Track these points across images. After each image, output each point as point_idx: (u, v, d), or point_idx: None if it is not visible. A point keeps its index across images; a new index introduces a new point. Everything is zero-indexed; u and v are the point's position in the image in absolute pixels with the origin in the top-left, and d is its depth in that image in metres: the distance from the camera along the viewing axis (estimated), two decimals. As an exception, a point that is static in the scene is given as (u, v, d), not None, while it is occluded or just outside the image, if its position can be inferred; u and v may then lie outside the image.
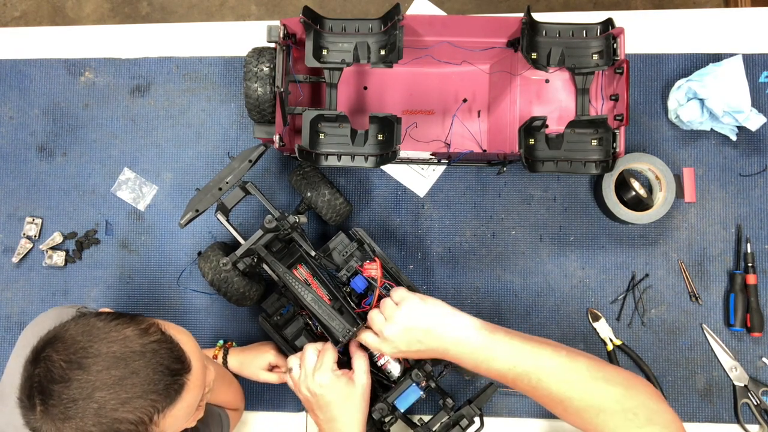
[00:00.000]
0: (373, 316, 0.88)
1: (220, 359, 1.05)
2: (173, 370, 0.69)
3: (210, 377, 0.79)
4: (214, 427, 0.93)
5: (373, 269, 0.95)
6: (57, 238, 1.15)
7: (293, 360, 0.93)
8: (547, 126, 0.93)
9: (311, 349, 0.92)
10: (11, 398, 0.69)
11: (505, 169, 1.06)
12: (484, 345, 0.81)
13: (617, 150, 0.91)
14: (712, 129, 1.11)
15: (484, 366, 0.81)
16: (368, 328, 0.90)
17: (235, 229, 0.99)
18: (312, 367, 0.90)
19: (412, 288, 0.98)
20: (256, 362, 1.04)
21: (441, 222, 1.14)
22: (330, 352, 0.91)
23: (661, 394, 0.78)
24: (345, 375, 0.90)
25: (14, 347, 0.89)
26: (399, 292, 0.87)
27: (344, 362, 0.95)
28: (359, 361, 0.92)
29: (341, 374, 0.90)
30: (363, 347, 0.95)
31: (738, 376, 1.08)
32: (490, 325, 0.83)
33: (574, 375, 0.77)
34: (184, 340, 0.74)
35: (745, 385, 1.08)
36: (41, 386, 0.65)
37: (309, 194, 1.03)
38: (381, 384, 0.99)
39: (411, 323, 0.84)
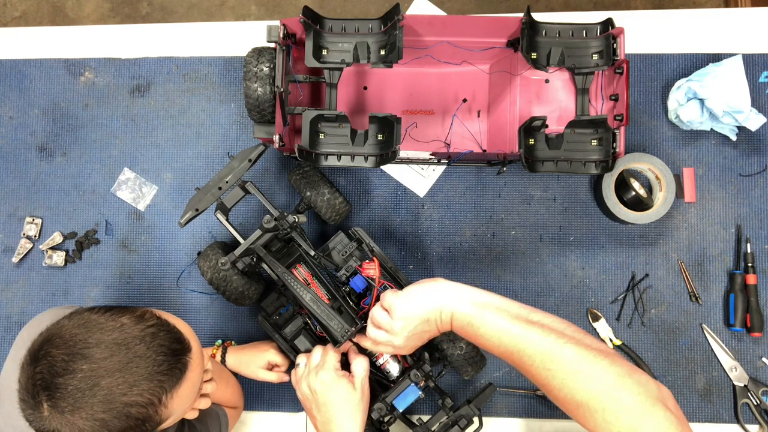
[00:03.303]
0: (375, 313, 0.86)
1: (218, 358, 1.05)
2: (175, 350, 0.71)
3: (206, 359, 0.80)
4: (213, 426, 0.94)
5: (371, 269, 0.95)
6: (57, 238, 1.15)
7: (301, 357, 0.95)
8: (547, 126, 0.93)
9: (319, 349, 0.93)
10: (8, 399, 0.69)
11: (505, 169, 1.06)
12: (471, 321, 0.78)
13: (617, 150, 0.91)
14: (712, 129, 1.11)
15: (473, 339, 0.80)
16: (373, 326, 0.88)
17: (235, 229, 0.99)
18: (315, 364, 0.91)
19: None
20: (256, 361, 1.04)
21: (441, 222, 1.14)
22: (333, 354, 0.92)
23: (663, 394, 0.70)
24: (346, 377, 0.90)
25: (11, 349, 0.89)
26: (386, 296, 0.85)
27: (345, 363, 0.95)
28: (359, 366, 0.91)
29: (343, 375, 0.89)
30: (362, 352, 0.94)
31: (738, 376, 1.08)
32: (483, 298, 0.80)
33: (555, 364, 0.72)
34: (179, 323, 0.75)
35: (745, 385, 1.08)
36: (45, 382, 0.65)
37: (308, 194, 1.03)
38: (380, 384, 0.99)
39: (418, 306, 0.82)
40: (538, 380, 0.74)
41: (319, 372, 0.89)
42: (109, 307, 0.72)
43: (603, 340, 1.10)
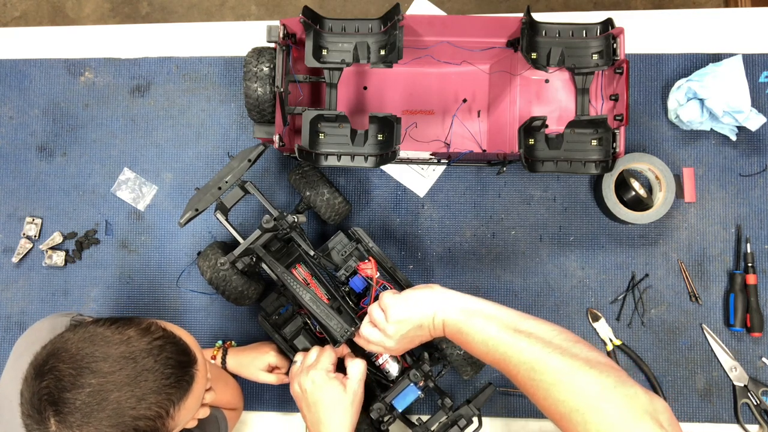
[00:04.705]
0: (373, 311, 0.87)
1: (219, 359, 1.05)
2: (182, 363, 0.71)
3: (208, 368, 0.80)
4: (210, 429, 0.93)
5: (368, 269, 0.96)
6: (57, 238, 1.15)
7: (298, 355, 0.95)
8: (546, 126, 0.93)
9: (316, 349, 0.93)
10: (7, 410, 0.68)
11: (505, 169, 1.06)
12: (460, 328, 0.79)
13: (617, 150, 0.91)
14: (712, 129, 1.11)
15: (464, 347, 0.80)
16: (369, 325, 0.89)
17: (234, 229, 0.99)
18: (309, 363, 0.91)
19: (410, 287, 0.98)
20: (256, 363, 1.04)
21: (441, 222, 1.14)
22: (328, 353, 0.91)
23: (656, 407, 0.66)
24: (338, 379, 0.89)
25: (9, 358, 0.88)
26: (384, 297, 0.86)
27: (343, 368, 0.94)
28: (355, 368, 0.90)
29: (335, 377, 0.89)
30: (360, 355, 0.94)
31: (738, 376, 1.08)
32: (474, 305, 0.80)
33: (539, 375, 0.70)
34: (183, 334, 0.75)
35: (745, 385, 1.08)
36: (52, 397, 0.65)
37: (308, 193, 1.03)
38: (379, 384, 0.99)
39: (412, 312, 0.83)
40: (525, 390, 0.73)
41: (310, 371, 0.89)
42: (114, 319, 0.71)
43: (603, 341, 1.10)
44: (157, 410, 0.67)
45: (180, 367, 0.70)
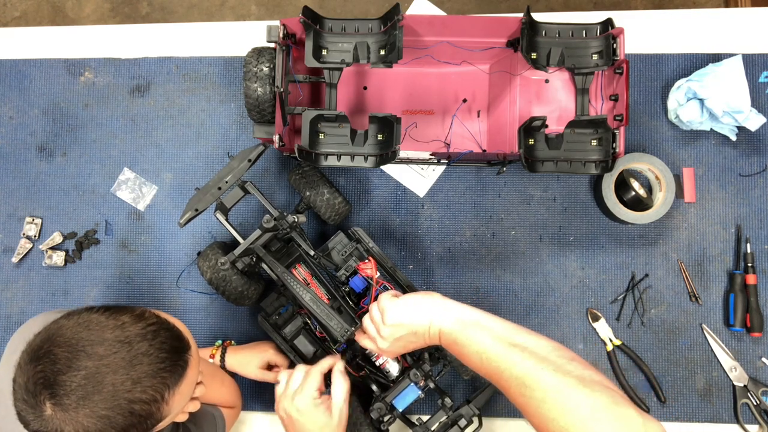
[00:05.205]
0: (372, 310, 0.88)
1: (217, 358, 1.05)
2: (176, 348, 0.71)
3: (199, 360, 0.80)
4: (208, 427, 0.93)
5: (368, 268, 0.96)
6: (57, 238, 1.15)
7: (283, 374, 0.92)
8: (546, 126, 0.93)
9: (301, 370, 0.91)
10: (2, 406, 0.68)
11: (504, 169, 1.06)
12: (455, 339, 0.79)
13: (617, 150, 0.91)
14: (711, 129, 1.11)
15: (460, 357, 0.80)
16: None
17: (234, 229, 0.99)
18: (294, 388, 0.89)
19: (410, 287, 0.98)
20: (255, 361, 1.04)
21: (441, 222, 1.14)
22: (314, 378, 0.89)
23: (650, 430, 0.64)
24: (324, 404, 0.88)
25: (3, 355, 0.88)
26: (383, 298, 0.87)
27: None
28: (338, 391, 0.89)
29: (320, 402, 0.88)
30: (345, 372, 0.93)
31: (738, 376, 1.08)
32: (470, 316, 0.79)
33: (530, 391, 0.69)
34: (176, 322, 0.76)
35: (745, 385, 1.08)
36: (47, 381, 0.65)
37: (308, 193, 1.03)
38: (379, 383, 0.99)
39: (408, 318, 0.83)
40: (517, 404, 0.72)
41: (296, 397, 0.87)
42: (107, 307, 0.72)
43: (603, 341, 1.10)
44: (152, 393, 0.67)
45: (174, 352, 0.71)
